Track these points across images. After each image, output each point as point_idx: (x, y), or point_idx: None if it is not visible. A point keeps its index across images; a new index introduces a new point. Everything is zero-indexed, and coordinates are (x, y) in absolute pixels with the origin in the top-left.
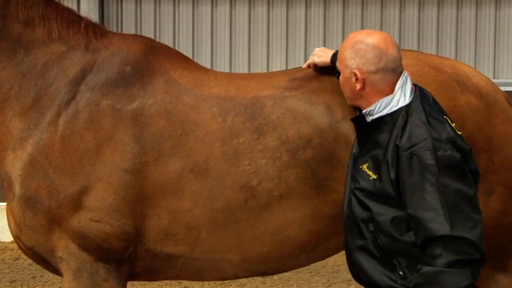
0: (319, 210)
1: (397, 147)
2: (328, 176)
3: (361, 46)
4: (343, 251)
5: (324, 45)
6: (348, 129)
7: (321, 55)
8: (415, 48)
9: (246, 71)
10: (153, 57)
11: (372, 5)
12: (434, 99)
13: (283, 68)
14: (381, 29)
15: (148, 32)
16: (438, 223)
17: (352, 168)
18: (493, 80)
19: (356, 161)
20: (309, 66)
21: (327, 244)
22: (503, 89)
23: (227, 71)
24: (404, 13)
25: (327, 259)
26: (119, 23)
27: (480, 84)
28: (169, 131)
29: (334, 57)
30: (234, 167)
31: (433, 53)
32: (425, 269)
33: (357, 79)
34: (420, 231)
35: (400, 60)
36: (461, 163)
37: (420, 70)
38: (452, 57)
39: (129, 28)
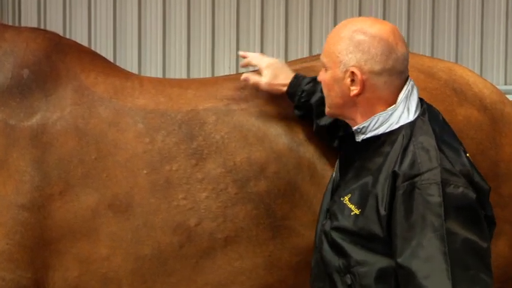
0: (275, 258)
1: (394, 175)
2: (287, 214)
3: (364, 38)
4: None
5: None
6: (312, 153)
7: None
8: None
9: (184, 76)
10: (58, 58)
11: None
12: (445, 120)
13: (233, 71)
14: (359, 15)
15: (55, 25)
16: (437, 281)
17: (329, 201)
18: (503, 88)
19: (336, 190)
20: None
21: None
22: None
23: (159, 76)
24: None
25: None
26: (16, 13)
27: (483, 94)
28: (80, 155)
29: (295, 80)
30: (166, 201)
31: (424, 54)
32: None
33: (353, 80)
34: None
35: (408, 61)
36: (476, 206)
37: None
38: (450, 59)
39: (29, 19)
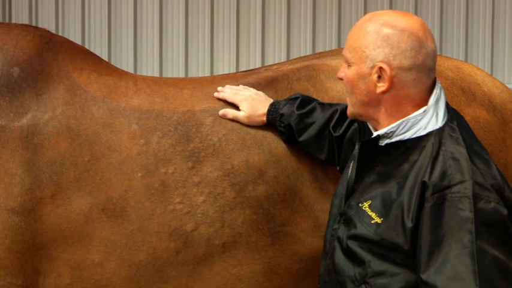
0: (274, 265)
1: (423, 186)
2: (287, 220)
3: (392, 31)
4: None
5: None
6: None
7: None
8: None
9: (182, 75)
10: (50, 56)
11: None
12: (469, 126)
13: (233, 70)
14: (365, 11)
15: (47, 22)
16: None
17: (342, 205)
18: None
19: (350, 195)
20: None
21: None
22: None
23: (156, 75)
24: None
25: None
26: (7, 9)
27: (493, 93)
28: (73, 157)
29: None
30: (161, 205)
31: None
32: None
33: (379, 77)
34: None
35: (437, 58)
36: (508, 223)
37: None
38: (459, 57)
39: (20, 16)
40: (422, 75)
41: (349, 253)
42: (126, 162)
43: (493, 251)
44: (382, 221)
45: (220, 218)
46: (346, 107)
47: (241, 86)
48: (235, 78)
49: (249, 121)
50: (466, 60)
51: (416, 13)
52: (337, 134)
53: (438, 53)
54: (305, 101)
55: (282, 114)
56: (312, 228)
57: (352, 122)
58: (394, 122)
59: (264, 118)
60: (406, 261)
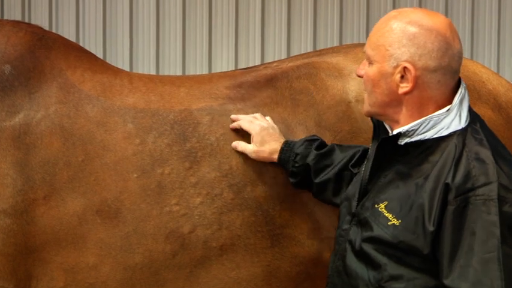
0: (274, 268)
1: (446, 188)
2: (287, 222)
3: (419, 30)
4: None
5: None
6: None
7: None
8: None
9: (179, 73)
10: (42, 53)
11: None
12: (491, 130)
13: (232, 67)
14: (367, 10)
15: (40, 18)
16: None
17: (353, 206)
18: None
19: (363, 195)
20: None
21: None
22: None
23: (153, 73)
24: None
25: None
26: None
27: (498, 91)
28: (66, 157)
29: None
30: (157, 207)
31: None
32: None
33: (402, 77)
34: None
35: (462, 60)
36: None
37: None
38: (465, 55)
39: (12, 12)
40: (447, 77)
41: (362, 255)
42: (121, 162)
43: None
44: (399, 223)
45: (218, 219)
46: (367, 149)
47: (258, 115)
48: (233, 76)
49: (256, 156)
50: (471, 59)
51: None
52: (355, 171)
53: None
54: (323, 143)
55: (297, 154)
56: (312, 231)
57: None
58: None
59: (275, 156)
60: (424, 265)
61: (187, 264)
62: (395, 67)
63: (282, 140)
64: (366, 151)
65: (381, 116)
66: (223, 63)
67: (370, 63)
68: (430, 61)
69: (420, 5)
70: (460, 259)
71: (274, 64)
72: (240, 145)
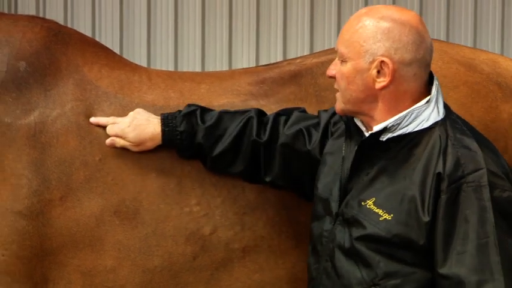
0: (299, 270)
1: (438, 178)
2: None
3: (393, 25)
4: None
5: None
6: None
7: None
8: (438, 35)
9: (198, 69)
10: (58, 49)
11: None
12: (466, 121)
13: (253, 64)
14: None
15: (55, 13)
16: None
17: (336, 204)
18: None
19: (345, 194)
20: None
21: None
22: None
23: (171, 69)
24: None
25: None
26: (13, 0)
27: None
28: (83, 156)
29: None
30: (177, 207)
31: (465, 44)
32: None
33: (378, 72)
34: None
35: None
36: None
37: (445, 68)
38: (495, 50)
39: (26, 7)
40: (421, 70)
41: (353, 255)
42: (139, 161)
43: (511, 240)
44: (391, 217)
45: (240, 220)
46: (259, 111)
47: (111, 118)
48: (256, 72)
49: (140, 149)
50: (502, 54)
51: (424, 6)
52: (262, 140)
53: (472, 45)
54: (205, 111)
55: (181, 132)
56: None
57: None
58: (391, 118)
59: (157, 140)
60: (416, 259)
61: (208, 267)
62: (371, 62)
63: (157, 120)
64: (260, 115)
65: (356, 113)
66: (244, 61)
67: (344, 61)
68: (406, 54)
69: (420, 5)
70: (456, 246)
71: (298, 60)
72: (118, 141)
